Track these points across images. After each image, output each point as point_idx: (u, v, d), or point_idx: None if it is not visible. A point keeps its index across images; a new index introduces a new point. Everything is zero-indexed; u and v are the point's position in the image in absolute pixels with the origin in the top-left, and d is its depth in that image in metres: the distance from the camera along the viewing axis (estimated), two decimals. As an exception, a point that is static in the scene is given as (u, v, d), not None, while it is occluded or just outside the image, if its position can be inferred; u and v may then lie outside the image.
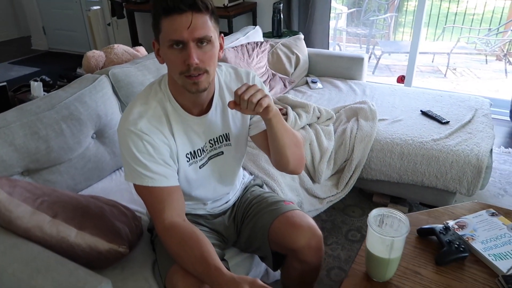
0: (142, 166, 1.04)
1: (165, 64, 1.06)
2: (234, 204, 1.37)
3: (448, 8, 5.35)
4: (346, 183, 1.93)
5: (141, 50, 2.32)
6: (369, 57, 5.11)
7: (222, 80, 1.18)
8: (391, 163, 1.88)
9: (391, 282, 1.10)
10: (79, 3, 4.96)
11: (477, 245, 1.18)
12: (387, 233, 1.02)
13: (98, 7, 4.54)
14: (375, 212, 1.08)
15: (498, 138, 2.82)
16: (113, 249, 1.15)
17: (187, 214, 1.15)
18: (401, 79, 3.52)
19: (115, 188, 1.63)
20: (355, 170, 1.92)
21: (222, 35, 1.09)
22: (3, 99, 1.87)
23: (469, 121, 2.01)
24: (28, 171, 1.43)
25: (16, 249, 1.08)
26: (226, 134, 1.20)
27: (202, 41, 0.98)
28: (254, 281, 0.90)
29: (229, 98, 1.17)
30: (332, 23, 5.36)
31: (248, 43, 2.45)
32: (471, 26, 5.10)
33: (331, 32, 5.38)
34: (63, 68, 4.47)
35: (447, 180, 1.81)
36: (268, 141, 1.19)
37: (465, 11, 5.40)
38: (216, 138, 1.19)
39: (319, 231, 1.23)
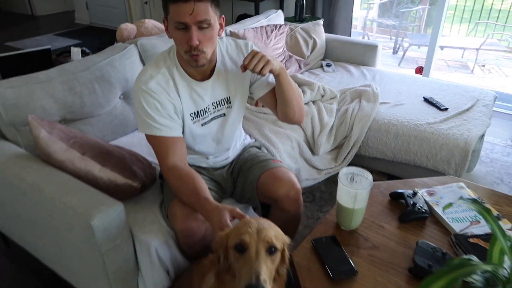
0: (151, 119, 1.27)
1: None
2: (233, 161, 1.59)
3: (483, 3, 5.26)
4: (344, 158, 2.11)
5: (170, 26, 2.55)
6: (397, 49, 5.14)
7: (224, 51, 1.39)
8: (386, 142, 2.04)
9: (357, 231, 1.29)
10: (120, -19, 5.26)
11: (438, 209, 1.35)
12: (352, 187, 1.21)
13: (138, -15, 4.81)
14: (345, 170, 1.26)
15: (508, 132, 2.89)
16: (128, 183, 1.40)
17: (191, 165, 1.38)
18: (419, 70, 3.59)
19: (136, 143, 1.88)
20: (353, 146, 2.09)
21: (223, 16, 1.30)
22: (47, 60, 2.16)
23: (467, 109, 2.12)
24: (65, 120, 1.69)
25: (53, 176, 1.34)
26: (227, 97, 1.41)
27: (203, 24, 1.18)
28: (233, 209, 1.11)
29: (230, 65, 1.39)
30: (363, 13, 5.42)
31: (268, 25, 2.63)
32: (505, 23, 5.02)
33: (361, 22, 5.44)
34: (101, 42, 4.79)
35: (436, 161, 1.95)
36: (274, 100, 1.42)
37: (500, 7, 5.30)
38: (219, 101, 1.40)
39: (298, 185, 1.41)
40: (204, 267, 1.16)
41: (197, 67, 1.26)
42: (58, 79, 1.65)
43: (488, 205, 1.37)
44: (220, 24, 1.28)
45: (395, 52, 5.13)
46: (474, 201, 0.93)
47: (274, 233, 0.99)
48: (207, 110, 1.39)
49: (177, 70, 1.32)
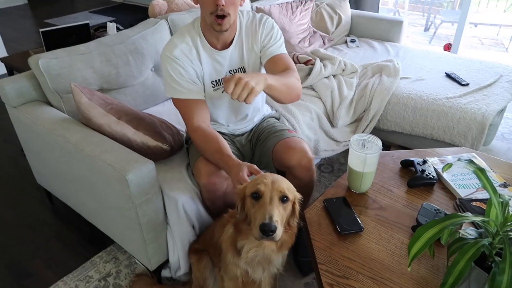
0: (176, 83, 1.41)
1: None
2: (252, 129, 1.70)
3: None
4: (363, 131, 2.18)
5: (199, 2, 2.65)
6: (429, 26, 5.02)
7: (243, 23, 1.50)
8: (405, 116, 2.09)
9: (366, 194, 1.39)
10: (152, -42, 5.36)
11: (447, 176, 1.42)
12: (362, 151, 1.30)
13: (168, -37, 4.90)
14: (357, 137, 1.35)
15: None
16: (158, 145, 1.54)
17: None
18: (447, 47, 3.55)
19: (166, 112, 2.02)
20: (372, 120, 2.16)
21: None
22: (86, 34, 2.33)
23: (489, 85, 2.13)
24: (102, 89, 1.85)
25: (92, 137, 1.50)
26: (243, 67, 1.52)
27: None
28: (252, 165, 1.24)
29: (246, 37, 1.49)
30: (395, -11, 5.30)
31: (294, 1, 2.68)
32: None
33: (391, -2, 5.33)
34: (134, 19, 4.96)
35: (453, 135, 1.99)
36: (269, 69, 1.49)
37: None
38: (235, 69, 1.51)
39: (310, 154, 1.50)
40: (224, 220, 1.30)
41: (221, 31, 1.37)
42: (96, 51, 1.80)
43: (495, 173, 1.43)
44: None
45: (426, 29, 5.02)
46: (470, 161, 1.00)
47: (287, 185, 1.11)
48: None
49: (200, 40, 1.44)
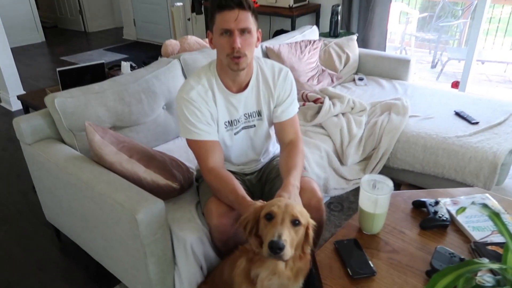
0: (191, 125, 1.43)
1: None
2: (261, 168, 1.71)
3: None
4: (373, 169, 2.17)
5: (210, 42, 2.73)
6: (435, 63, 5.09)
7: (263, 68, 1.52)
8: (415, 154, 2.09)
9: (378, 235, 1.36)
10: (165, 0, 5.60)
11: (460, 218, 1.39)
12: (373, 192, 1.29)
13: (181, 3, 5.10)
14: (367, 177, 1.34)
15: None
16: (168, 184, 1.55)
17: None
18: (455, 85, 3.57)
19: (177, 149, 2.04)
20: (381, 158, 2.15)
21: (260, 30, 1.45)
22: (101, 73, 2.41)
23: (499, 123, 2.13)
24: (115, 127, 1.88)
25: (104, 175, 1.52)
26: (258, 111, 1.54)
27: (244, 31, 1.34)
28: (265, 202, 1.23)
29: (262, 82, 1.52)
30: (401, 27, 5.42)
31: (302, 40, 2.76)
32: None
33: (399, 36, 5.44)
34: (147, 56, 5.11)
35: (465, 174, 1.97)
36: (278, 132, 1.56)
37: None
38: (250, 113, 1.53)
39: (319, 194, 1.49)
40: (236, 256, 1.28)
41: (238, 70, 1.40)
42: (110, 90, 1.85)
43: (509, 215, 1.40)
44: (257, 37, 1.43)
45: (433, 66, 5.09)
46: (484, 205, 0.99)
47: (299, 209, 1.15)
48: (239, 120, 1.52)
49: (216, 82, 1.47)
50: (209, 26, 1.42)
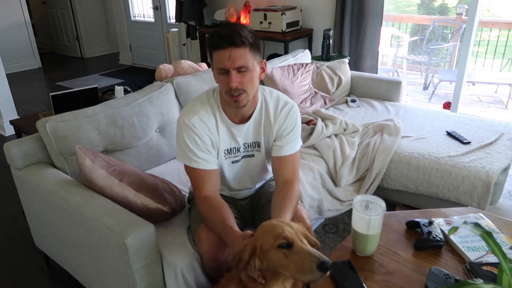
0: (190, 152, 1.40)
1: None
2: (253, 194, 1.69)
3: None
4: (367, 190, 2.16)
5: (203, 65, 2.77)
6: (427, 85, 5.17)
7: (268, 101, 1.48)
8: (408, 174, 2.08)
9: (372, 257, 1.34)
10: (161, 25, 5.71)
11: (455, 238, 1.37)
12: (365, 213, 1.27)
13: (176, 29, 5.20)
14: (360, 198, 1.33)
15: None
16: (159, 208, 1.53)
17: None
18: (447, 105, 3.61)
19: (169, 172, 2.03)
20: (375, 178, 2.14)
21: (265, 60, 1.42)
22: (94, 97, 2.42)
23: (491, 143, 2.14)
24: (107, 151, 1.87)
25: (94, 199, 1.50)
26: (258, 142, 1.52)
27: (241, 69, 1.31)
28: (251, 233, 1.20)
29: (265, 115, 1.47)
30: (392, 51, 5.53)
31: (295, 64, 2.79)
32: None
33: (391, 59, 5.54)
34: (142, 80, 5.16)
35: (459, 193, 1.96)
36: (275, 167, 1.48)
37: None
38: (250, 143, 1.51)
39: (308, 222, 1.46)
40: (221, 284, 1.24)
41: (238, 108, 1.37)
42: (102, 113, 1.85)
43: (504, 234, 1.39)
44: (262, 68, 1.40)
45: (425, 88, 5.16)
46: (476, 224, 0.98)
47: (302, 227, 1.14)
48: (239, 149, 1.51)
49: (219, 111, 1.44)
50: (210, 61, 1.38)
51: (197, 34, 4.64)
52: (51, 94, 2.35)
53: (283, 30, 3.72)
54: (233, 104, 1.35)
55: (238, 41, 1.27)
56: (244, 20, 4.04)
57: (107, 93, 2.67)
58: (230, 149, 1.49)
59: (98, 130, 1.81)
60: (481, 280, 0.91)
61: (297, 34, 3.85)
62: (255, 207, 1.65)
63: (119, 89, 2.49)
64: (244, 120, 1.47)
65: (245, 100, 1.35)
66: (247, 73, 1.31)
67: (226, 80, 1.31)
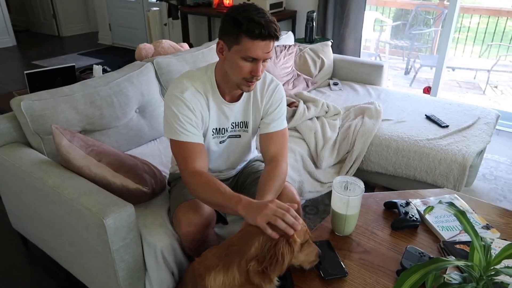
0: (180, 125, 1.35)
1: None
2: (236, 174, 1.69)
3: (496, 26, 5.31)
4: (347, 172, 2.19)
5: (185, 46, 2.72)
6: (409, 70, 5.22)
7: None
8: (387, 157, 2.12)
9: (350, 237, 1.37)
10: (141, 4, 5.55)
11: (430, 218, 1.41)
12: (345, 194, 1.29)
13: (157, 8, 5.07)
14: (339, 179, 1.35)
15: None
16: (139, 188, 1.51)
17: None
18: (427, 90, 3.66)
19: (149, 153, 2.00)
20: (355, 161, 2.17)
21: None
22: (71, 77, 2.35)
23: (468, 127, 2.19)
24: (85, 131, 1.83)
25: (71, 180, 1.47)
26: (245, 122, 1.51)
27: (267, 59, 1.31)
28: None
29: (254, 95, 1.48)
30: (376, 35, 5.55)
31: (278, 45, 2.77)
32: (517, 44, 5.05)
33: (374, 44, 5.55)
34: (123, 61, 5.04)
35: (435, 176, 2.01)
36: (262, 144, 1.49)
37: (512, 29, 5.34)
38: (238, 122, 1.50)
39: (297, 198, 1.48)
40: (196, 268, 1.21)
41: (248, 91, 1.40)
42: (80, 93, 1.81)
43: (477, 215, 1.43)
44: None
45: (407, 73, 5.21)
46: (451, 204, 1.00)
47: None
48: (227, 129, 1.50)
49: (211, 88, 1.42)
50: (223, 36, 1.30)
51: (179, 14, 4.54)
52: (26, 72, 2.27)
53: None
54: (245, 88, 1.36)
55: (277, 34, 1.26)
56: (227, 0, 3.96)
57: (85, 72, 2.60)
58: (219, 129, 1.48)
59: (76, 110, 1.77)
60: (453, 258, 0.94)
61: (280, 16, 3.81)
62: (239, 186, 1.65)
63: (97, 68, 2.43)
64: (235, 99, 1.47)
65: (254, 85, 1.38)
66: (267, 63, 1.33)
67: (250, 67, 1.29)
